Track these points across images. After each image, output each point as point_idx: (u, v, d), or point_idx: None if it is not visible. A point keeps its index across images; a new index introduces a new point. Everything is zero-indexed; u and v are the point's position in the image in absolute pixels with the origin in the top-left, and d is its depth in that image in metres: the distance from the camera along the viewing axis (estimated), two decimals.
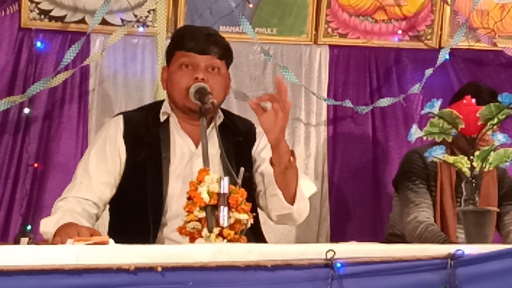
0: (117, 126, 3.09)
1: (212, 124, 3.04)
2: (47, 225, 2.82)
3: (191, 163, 3.03)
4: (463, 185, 3.73)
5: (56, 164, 3.92)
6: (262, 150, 3.17)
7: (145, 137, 3.06)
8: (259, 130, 3.21)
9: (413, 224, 3.60)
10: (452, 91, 3.99)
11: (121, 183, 3.03)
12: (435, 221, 3.67)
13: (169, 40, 3.86)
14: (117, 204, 3.06)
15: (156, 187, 2.96)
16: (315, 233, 4.22)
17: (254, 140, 3.21)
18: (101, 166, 3.01)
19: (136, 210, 2.95)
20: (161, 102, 3.20)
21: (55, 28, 3.97)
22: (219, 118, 3.13)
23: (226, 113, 3.22)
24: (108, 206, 3.09)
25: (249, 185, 3.04)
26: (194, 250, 2.12)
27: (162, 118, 3.11)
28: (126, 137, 3.06)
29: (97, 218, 3.00)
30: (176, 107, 3.10)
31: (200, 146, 2.94)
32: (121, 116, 3.14)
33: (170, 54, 3.17)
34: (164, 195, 2.96)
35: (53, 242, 2.64)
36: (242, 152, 3.13)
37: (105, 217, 3.14)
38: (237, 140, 3.13)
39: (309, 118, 4.28)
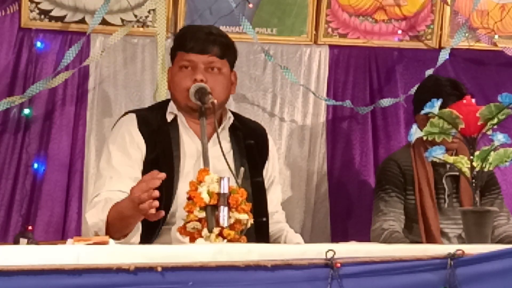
0: (132, 122, 3.08)
1: (223, 125, 3.11)
2: (94, 216, 2.80)
3: (199, 162, 3.03)
4: (443, 180, 3.74)
5: (56, 165, 3.92)
6: (272, 173, 3.26)
7: (157, 136, 3.06)
8: (270, 139, 3.30)
9: (377, 232, 3.66)
10: None
11: None
12: (417, 222, 3.68)
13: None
14: None
15: (168, 186, 2.94)
16: (316, 233, 4.22)
17: (267, 148, 3.25)
18: (125, 161, 2.99)
19: None
20: (168, 102, 3.20)
21: (55, 28, 3.97)
22: (229, 119, 3.15)
23: (236, 115, 3.25)
24: None
25: (262, 190, 3.09)
26: (194, 250, 2.12)
27: (169, 118, 3.12)
28: (142, 132, 3.06)
29: None
30: (179, 108, 3.11)
31: (208, 145, 2.94)
32: (133, 114, 3.13)
33: (172, 55, 3.19)
34: (174, 193, 2.97)
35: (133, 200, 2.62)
36: (253, 155, 3.15)
37: None
38: (248, 143, 3.14)
39: (307, 119, 4.28)
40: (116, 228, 2.78)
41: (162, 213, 2.65)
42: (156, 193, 2.55)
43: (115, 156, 3.01)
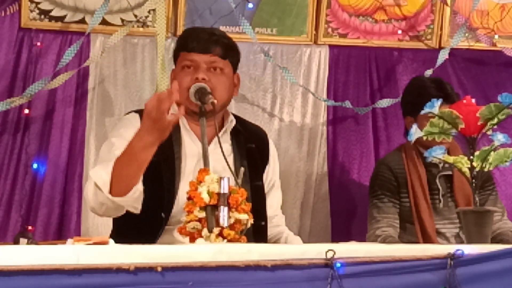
0: (135, 120, 3.04)
1: (224, 128, 3.09)
2: (98, 171, 2.76)
3: (200, 164, 3.01)
4: (437, 180, 3.74)
5: (55, 165, 3.92)
6: (272, 177, 3.25)
7: None
8: (271, 143, 3.30)
9: (371, 239, 3.67)
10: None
11: None
12: (412, 223, 3.68)
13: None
14: None
15: (170, 187, 2.94)
16: (315, 233, 4.22)
17: (267, 152, 3.24)
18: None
19: (149, 209, 2.88)
20: None
21: (55, 28, 3.97)
22: (231, 122, 3.14)
23: (238, 118, 3.24)
24: None
25: (261, 195, 3.09)
26: (194, 250, 2.12)
27: None
28: None
29: None
30: None
31: (210, 147, 2.93)
32: (136, 114, 3.09)
33: (175, 56, 3.17)
34: (176, 195, 2.96)
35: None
36: (254, 159, 3.15)
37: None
38: (249, 147, 3.14)
39: (306, 119, 4.28)
40: (123, 176, 2.72)
41: (182, 111, 2.65)
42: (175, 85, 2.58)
43: (118, 145, 2.93)
